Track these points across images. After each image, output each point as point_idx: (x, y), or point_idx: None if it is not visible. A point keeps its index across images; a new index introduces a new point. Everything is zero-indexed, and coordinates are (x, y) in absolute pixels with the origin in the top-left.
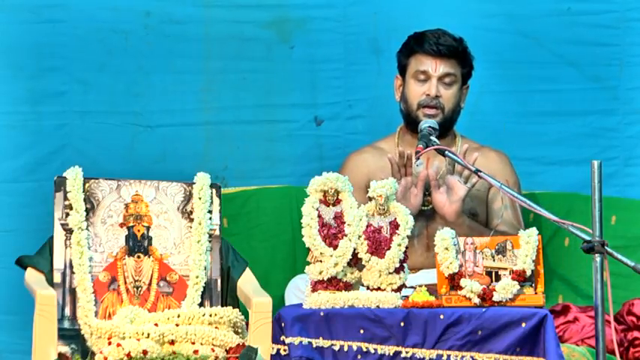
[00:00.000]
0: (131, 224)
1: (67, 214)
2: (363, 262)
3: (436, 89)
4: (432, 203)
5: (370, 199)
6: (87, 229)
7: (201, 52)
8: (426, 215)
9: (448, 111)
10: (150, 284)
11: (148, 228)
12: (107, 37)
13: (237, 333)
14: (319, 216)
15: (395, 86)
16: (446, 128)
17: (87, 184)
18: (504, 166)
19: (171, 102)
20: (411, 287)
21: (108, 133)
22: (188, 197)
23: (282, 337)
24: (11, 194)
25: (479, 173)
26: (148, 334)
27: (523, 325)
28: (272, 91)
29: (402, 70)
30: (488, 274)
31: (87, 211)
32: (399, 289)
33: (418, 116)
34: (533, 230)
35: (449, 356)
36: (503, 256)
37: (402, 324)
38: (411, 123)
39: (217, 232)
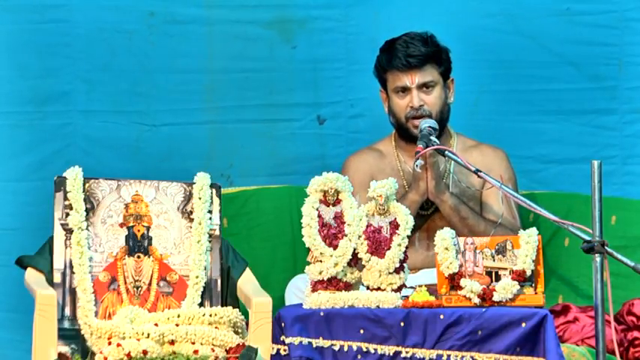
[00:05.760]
0: (131, 224)
1: (67, 214)
2: (363, 262)
3: (418, 99)
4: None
5: (370, 199)
6: (87, 229)
7: (204, 51)
8: (426, 216)
9: (436, 113)
10: (150, 284)
11: (148, 228)
12: (111, 37)
13: (237, 333)
14: (319, 216)
15: (382, 99)
16: (440, 127)
17: (87, 184)
18: (500, 162)
19: (175, 101)
20: (411, 287)
21: (112, 132)
22: (188, 197)
23: (282, 337)
24: (16, 193)
25: (479, 173)
26: (148, 334)
27: (523, 325)
28: (275, 90)
29: (384, 84)
30: (489, 274)
31: (87, 211)
32: (399, 289)
33: (409, 128)
34: (533, 230)
35: (449, 356)
36: (503, 256)
37: (402, 324)
38: (403, 134)
39: (217, 232)
